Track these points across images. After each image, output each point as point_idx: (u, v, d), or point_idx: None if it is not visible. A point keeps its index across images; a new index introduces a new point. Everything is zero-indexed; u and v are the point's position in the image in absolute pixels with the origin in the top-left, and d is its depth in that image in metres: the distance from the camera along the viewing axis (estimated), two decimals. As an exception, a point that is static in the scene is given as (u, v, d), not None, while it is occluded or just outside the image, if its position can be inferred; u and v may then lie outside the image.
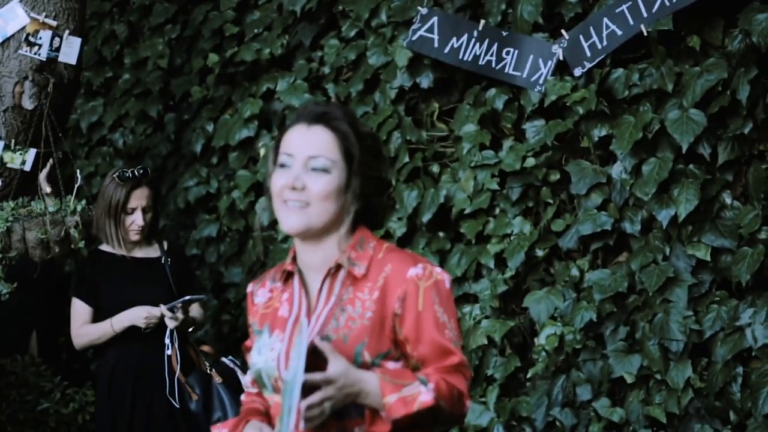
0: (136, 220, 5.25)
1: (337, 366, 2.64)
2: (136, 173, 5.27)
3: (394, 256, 2.86)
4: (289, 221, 2.82)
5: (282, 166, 2.85)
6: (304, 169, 2.81)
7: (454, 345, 2.80)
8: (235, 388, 5.14)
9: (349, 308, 2.80)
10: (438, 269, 2.84)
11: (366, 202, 2.89)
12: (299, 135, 2.85)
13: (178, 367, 5.21)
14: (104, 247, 5.35)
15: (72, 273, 5.63)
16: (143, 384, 5.26)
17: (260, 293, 3.02)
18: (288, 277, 2.97)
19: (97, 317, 5.31)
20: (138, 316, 5.17)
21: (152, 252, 5.42)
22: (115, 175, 5.26)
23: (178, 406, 5.18)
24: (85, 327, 5.29)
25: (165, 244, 5.46)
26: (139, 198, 5.25)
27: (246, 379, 3.15)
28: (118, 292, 5.28)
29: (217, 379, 5.17)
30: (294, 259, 2.96)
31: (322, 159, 2.81)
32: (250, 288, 3.08)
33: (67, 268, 6.81)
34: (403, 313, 2.78)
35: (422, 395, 2.68)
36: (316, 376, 2.61)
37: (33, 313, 6.62)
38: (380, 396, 2.69)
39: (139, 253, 5.38)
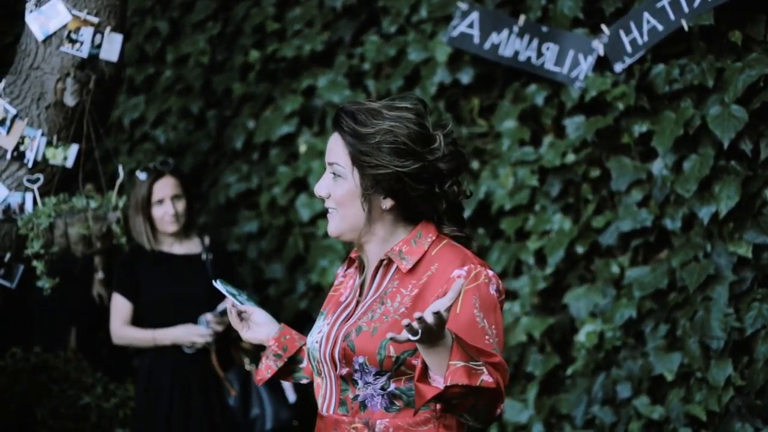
0: (167, 210, 5.29)
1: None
2: (158, 166, 5.33)
3: (444, 255, 2.83)
4: (328, 227, 2.97)
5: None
6: (329, 175, 2.92)
7: (494, 351, 2.66)
8: (273, 385, 5.16)
9: (388, 302, 2.82)
10: (487, 272, 2.78)
11: (402, 198, 2.84)
12: (329, 141, 2.93)
13: (215, 359, 5.26)
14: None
15: (114, 269, 5.66)
16: (181, 379, 5.29)
17: (339, 278, 3.10)
18: (355, 265, 3.04)
19: (137, 314, 5.35)
20: (183, 338, 5.22)
21: (194, 248, 5.44)
22: (137, 173, 5.33)
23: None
24: (127, 330, 5.32)
25: (206, 240, 5.48)
26: (163, 187, 5.29)
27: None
28: (158, 290, 5.31)
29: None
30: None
31: (336, 166, 2.88)
32: (338, 271, 3.15)
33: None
34: None
35: (485, 375, 2.56)
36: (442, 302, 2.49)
37: (73, 308, 6.68)
38: (447, 357, 2.56)
39: (180, 249, 5.41)
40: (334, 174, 2.88)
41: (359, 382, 2.80)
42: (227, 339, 5.38)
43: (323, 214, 6.29)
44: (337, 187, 2.88)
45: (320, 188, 2.92)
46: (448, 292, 2.55)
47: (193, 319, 5.26)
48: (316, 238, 6.35)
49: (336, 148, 2.87)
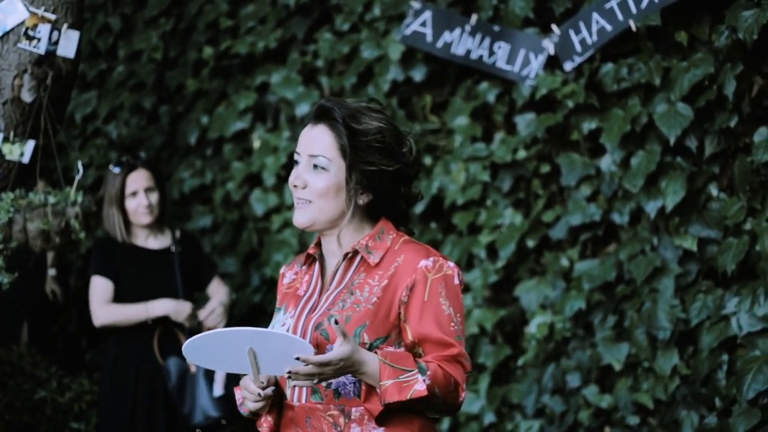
0: (140, 202, 5.34)
1: (340, 350, 2.75)
2: (130, 159, 5.38)
3: (408, 248, 2.98)
4: (296, 217, 3.01)
5: (296, 163, 3.02)
6: (308, 167, 2.97)
7: (457, 338, 2.90)
8: (210, 379, 5.19)
9: (357, 292, 2.93)
10: (450, 264, 2.95)
11: (378, 195, 3.00)
12: (305, 134, 3.01)
13: (156, 347, 5.31)
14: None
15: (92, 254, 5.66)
16: (144, 370, 5.33)
17: (288, 275, 3.17)
18: (312, 260, 3.11)
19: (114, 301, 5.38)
20: (177, 311, 5.26)
21: (166, 241, 5.50)
22: (110, 166, 5.38)
23: None
24: (112, 305, 5.32)
25: (177, 233, 5.54)
26: (136, 180, 5.34)
27: None
28: (128, 284, 5.35)
29: (192, 369, 5.24)
30: (318, 244, 3.10)
31: (320, 158, 2.95)
32: (282, 270, 3.21)
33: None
34: (408, 301, 2.90)
35: (417, 384, 2.79)
36: (313, 359, 2.73)
37: (25, 302, 6.67)
38: (378, 378, 2.81)
39: (155, 243, 5.45)
40: (315, 166, 2.96)
41: None
42: (172, 323, 5.40)
43: (277, 209, 6.36)
44: (319, 179, 2.95)
45: (297, 178, 2.97)
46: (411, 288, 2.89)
47: None
48: (270, 232, 6.40)
49: (322, 141, 2.96)
